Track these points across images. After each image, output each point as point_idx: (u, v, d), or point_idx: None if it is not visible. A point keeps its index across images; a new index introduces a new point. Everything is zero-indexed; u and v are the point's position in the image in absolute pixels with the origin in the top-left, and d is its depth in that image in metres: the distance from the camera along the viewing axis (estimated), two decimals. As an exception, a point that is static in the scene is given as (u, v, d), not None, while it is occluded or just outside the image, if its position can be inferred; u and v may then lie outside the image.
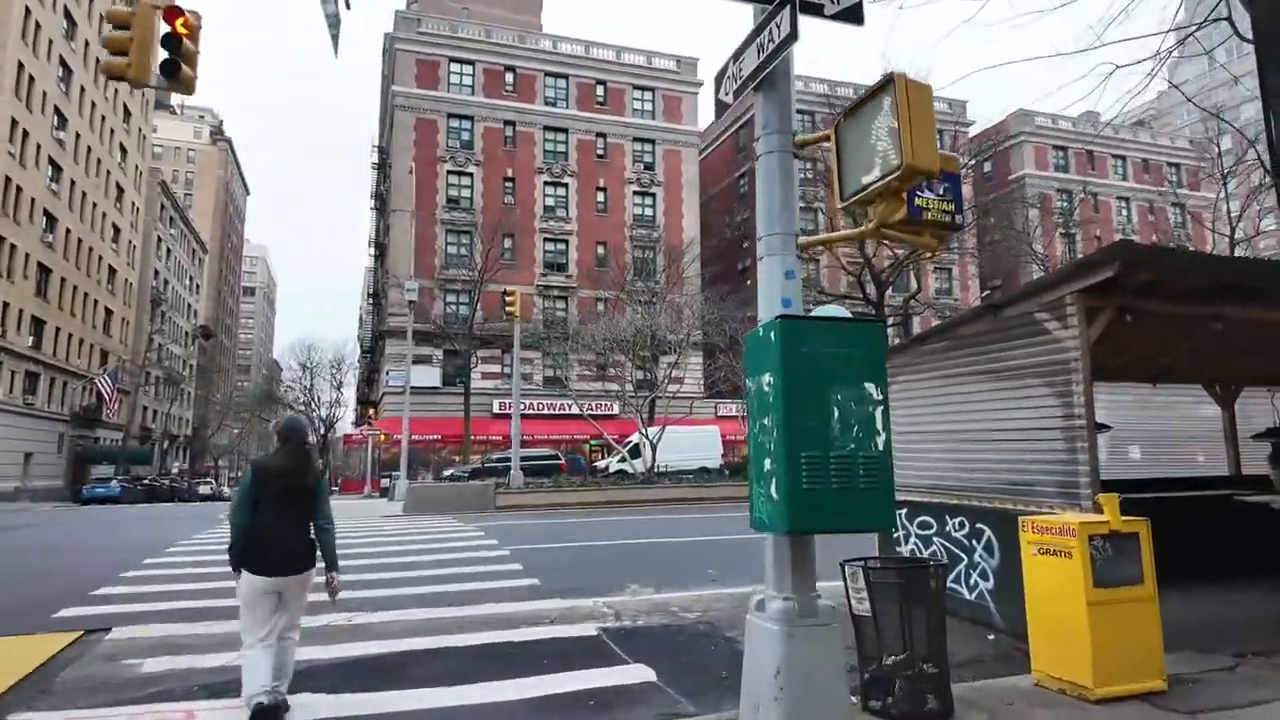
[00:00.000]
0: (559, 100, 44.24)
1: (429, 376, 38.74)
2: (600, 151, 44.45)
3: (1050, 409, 5.77)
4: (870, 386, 3.65)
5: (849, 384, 3.63)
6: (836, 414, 3.58)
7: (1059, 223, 47.55)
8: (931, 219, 3.91)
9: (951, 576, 6.54)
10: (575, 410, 31.72)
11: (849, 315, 3.98)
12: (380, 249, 48.99)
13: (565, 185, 43.68)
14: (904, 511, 7.23)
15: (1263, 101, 5.51)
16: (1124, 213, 54.09)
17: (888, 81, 3.43)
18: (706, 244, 44.45)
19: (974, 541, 6.37)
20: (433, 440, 38.13)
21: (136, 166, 59.19)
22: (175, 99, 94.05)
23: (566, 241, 43.30)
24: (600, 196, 44.19)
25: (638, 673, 5.37)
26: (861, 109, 3.63)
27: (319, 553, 4.65)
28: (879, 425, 3.62)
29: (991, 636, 5.92)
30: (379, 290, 47.06)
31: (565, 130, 43.96)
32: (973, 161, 42.98)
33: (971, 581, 6.38)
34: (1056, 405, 5.71)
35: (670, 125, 45.98)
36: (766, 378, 3.73)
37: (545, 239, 42.93)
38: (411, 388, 34.46)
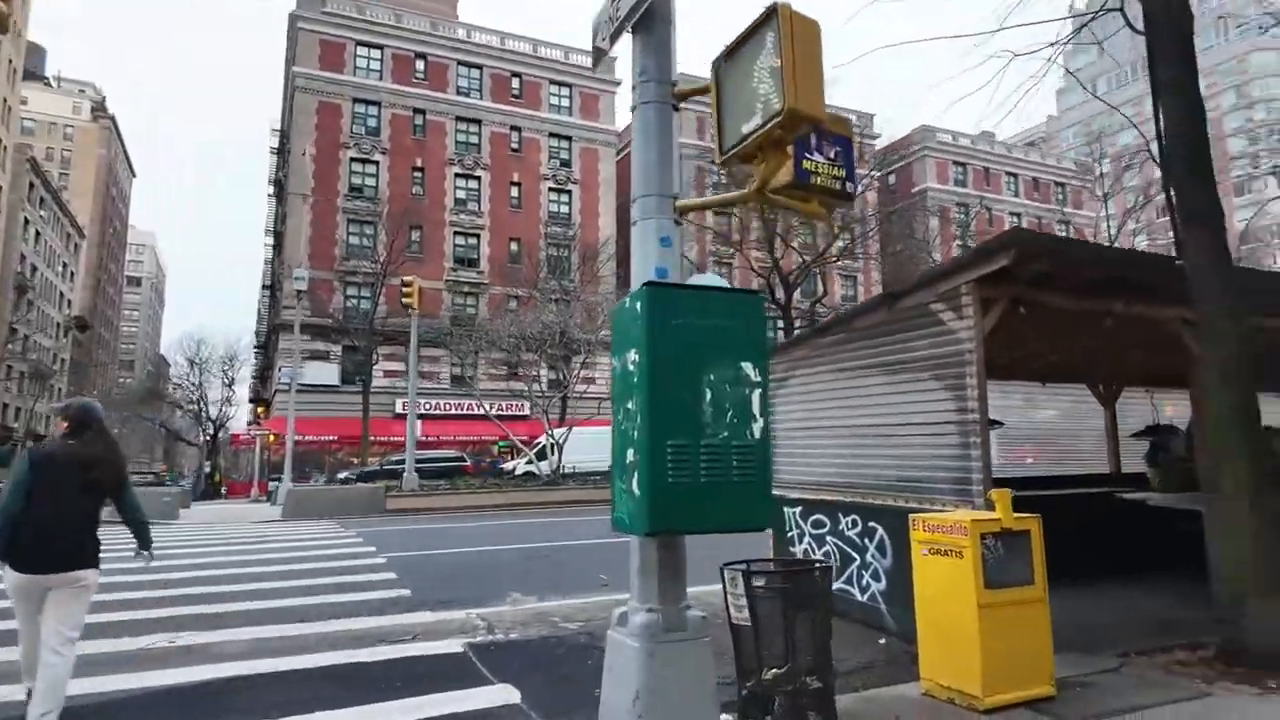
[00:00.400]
0: (472, 91, 42.86)
1: (327, 374, 36.65)
2: (515, 145, 43.33)
3: (944, 403, 5.55)
4: (748, 366, 3.20)
5: (724, 363, 3.17)
6: (709, 396, 3.12)
7: (957, 234, 49.91)
8: (820, 184, 3.51)
9: (844, 577, 6.27)
10: (483, 411, 30.62)
11: (726, 285, 3.52)
12: (278, 238, 46.15)
13: (478, 178, 42.32)
14: (798, 510, 6.95)
15: (1152, 94, 5.47)
16: (1016, 226, 57.36)
17: (770, 13, 2.98)
18: (621, 243, 44.04)
19: (866, 541, 6.11)
20: (329, 441, 36.10)
21: (0, 141, 53.82)
22: (50, 69, 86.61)
23: (478, 236, 41.95)
24: (515, 191, 43.05)
25: (500, 694, 4.78)
26: (742, 48, 3.18)
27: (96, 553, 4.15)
28: (756, 410, 3.17)
29: (883, 640, 5.66)
30: (275, 282, 44.26)
31: (479, 121, 42.60)
32: (879, 173, 44.40)
33: (864, 582, 6.12)
34: (950, 399, 5.50)
35: (588, 123, 45.30)
36: (632, 355, 3.23)
37: (455, 232, 41.42)
38: (309, 385, 32.45)
